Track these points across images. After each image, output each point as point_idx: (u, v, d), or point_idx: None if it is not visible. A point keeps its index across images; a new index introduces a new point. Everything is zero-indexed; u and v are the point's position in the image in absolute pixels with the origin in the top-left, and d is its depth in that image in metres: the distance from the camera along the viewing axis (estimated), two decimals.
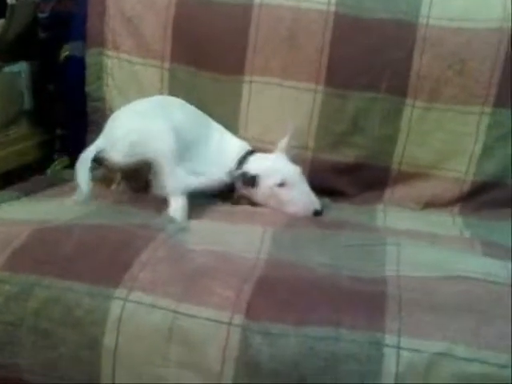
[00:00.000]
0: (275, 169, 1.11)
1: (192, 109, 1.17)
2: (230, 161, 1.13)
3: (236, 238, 0.92)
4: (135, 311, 0.74)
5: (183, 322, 0.73)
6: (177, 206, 1.00)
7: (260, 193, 1.10)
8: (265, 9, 1.19)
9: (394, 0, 1.15)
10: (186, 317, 0.73)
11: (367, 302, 0.74)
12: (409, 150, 1.18)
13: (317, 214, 1.07)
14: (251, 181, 1.10)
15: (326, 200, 1.14)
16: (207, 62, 1.23)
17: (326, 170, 1.20)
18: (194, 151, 1.10)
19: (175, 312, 0.73)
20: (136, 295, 0.75)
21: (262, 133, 1.21)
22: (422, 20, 1.13)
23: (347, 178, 1.19)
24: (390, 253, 0.87)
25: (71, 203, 1.01)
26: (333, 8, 1.15)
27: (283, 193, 1.08)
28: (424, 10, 1.13)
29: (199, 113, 1.17)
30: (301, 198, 1.08)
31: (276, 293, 0.75)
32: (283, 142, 1.14)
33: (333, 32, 1.15)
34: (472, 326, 0.69)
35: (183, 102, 1.16)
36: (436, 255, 0.88)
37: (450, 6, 1.13)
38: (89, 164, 1.03)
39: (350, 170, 1.19)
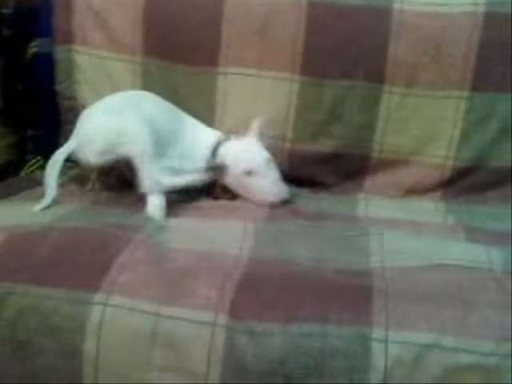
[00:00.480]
0: (242, 157, 1.08)
1: (164, 103, 1.13)
2: (205, 152, 1.10)
3: (217, 234, 0.90)
4: (116, 316, 0.72)
5: (166, 325, 0.71)
6: (154, 205, 0.98)
7: (231, 181, 1.08)
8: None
9: None
10: (169, 319, 0.71)
11: (353, 295, 0.73)
12: (388, 138, 1.17)
13: (286, 202, 1.06)
14: (218, 170, 1.07)
15: (306, 191, 1.13)
16: (180, 54, 1.20)
17: (306, 161, 1.18)
18: (169, 147, 1.07)
19: (157, 315, 0.71)
20: (116, 299, 0.73)
21: (239, 125, 1.18)
22: (396, 5, 1.12)
23: (327, 167, 1.18)
24: (374, 243, 0.87)
25: (37, 209, 0.98)
26: None
27: (250, 181, 1.06)
28: None
29: (172, 107, 1.14)
30: (269, 186, 1.06)
31: (260, 290, 0.74)
32: (255, 127, 1.11)
33: (307, 20, 1.13)
34: (458, 315, 0.69)
35: (155, 96, 1.13)
36: (419, 244, 0.87)
37: None
38: (59, 167, 1.01)
39: (330, 160, 1.18)
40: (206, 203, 1.08)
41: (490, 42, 1.10)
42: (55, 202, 1.00)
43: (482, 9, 1.09)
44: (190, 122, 1.15)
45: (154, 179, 0.99)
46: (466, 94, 1.13)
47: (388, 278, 0.76)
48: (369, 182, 1.18)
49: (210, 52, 1.18)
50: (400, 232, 0.92)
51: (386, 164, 1.18)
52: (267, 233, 0.91)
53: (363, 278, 0.76)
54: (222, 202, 1.09)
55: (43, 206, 0.99)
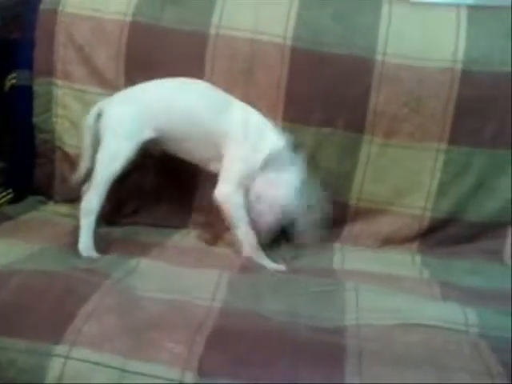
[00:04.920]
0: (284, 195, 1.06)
1: None
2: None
3: (189, 283, 0.88)
4: (78, 370, 0.68)
5: (131, 381, 0.68)
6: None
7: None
8: (221, 39, 1.16)
9: (351, 35, 1.14)
10: (134, 375, 0.68)
11: (326, 355, 0.71)
12: (366, 187, 1.17)
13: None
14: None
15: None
16: None
17: None
18: None
19: (122, 370, 0.68)
20: (79, 352, 0.69)
21: None
22: (379, 57, 1.13)
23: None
24: (349, 299, 0.85)
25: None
26: (289, 42, 1.14)
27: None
28: (380, 47, 1.13)
29: None
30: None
31: (230, 346, 0.71)
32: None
33: (289, 66, 1.14)
34: (433, 380, 0.67)
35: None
36: (395, 301, 0.86)
37: (404, 44, 1.13)
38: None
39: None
40: (178, 244, 1.06)
41: (467, 98, 1.12)
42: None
43: (459, 66, 1.11)
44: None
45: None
46: (444, 146, 1.14)
47: (362, 337, 0.75)
48: (346, 230, 1.17)
49: None
50: (376, 288, 0.90)
51: (364, 213, 1.17)
52: (241, 284, 0.89)
53: (337, 337, 0.74)
54: (199, 245, 1.07)
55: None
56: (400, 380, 0.67)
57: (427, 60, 1.12)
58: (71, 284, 0.80)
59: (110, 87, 1.20)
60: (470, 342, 0.74)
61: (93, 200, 1.01)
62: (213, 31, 1.16)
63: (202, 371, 0.67)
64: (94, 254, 0.98)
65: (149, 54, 1.18)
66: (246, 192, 1.04)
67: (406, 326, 0.78)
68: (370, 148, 1.15)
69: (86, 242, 0.99)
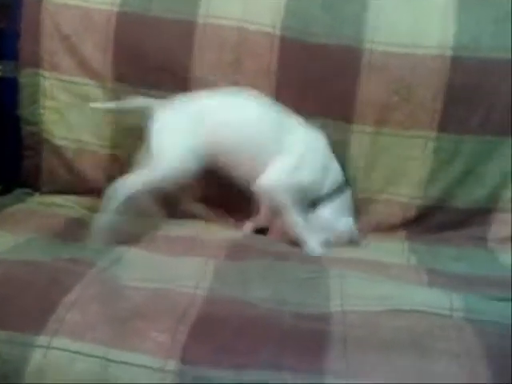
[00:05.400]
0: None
1: None
2: None
3: (174, 271, 0.87)
4: (59, 360, 0.68)
5: (114, 370, 0.67)
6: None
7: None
8: (209, 28, 1.15)
9: (340, 25, 1.13)
10: (117, 364, 0.68)
11: (311, 342, 0.70)
12: (357, 176, 1.16)
13: None
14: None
15: None
16: (152, 80, 1.17)
17: None
18: None
19: (104, 359, 0.68)
20: (61, 341, 0.69)
21: None
22: (367, 45, 1.12)
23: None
24: (335, 286, 0.85)
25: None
26: (278, 32, 1.13)
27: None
28: (369, 35, 1.12)
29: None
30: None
31: (214, 334, 0.71)
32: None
33: (278, 56, 1.13)
34: (416, 364, 0.67)
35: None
36: (381, 287, 0.85)
37: (393, 32, 1.12)
38: None
39: None
40: (164, 233, 1.06)
41: (457, 85, 1.11)
42: None
43: (449, 53, 1.10)
44: None
45: None
46: (433, 134, 1.14)
47: (347, 323, 0.75)
48: None
49: (182, 78, 1.16)
50: (362, 274, 0.90)
51: (355, 202, 1.17)
52: (228, 271, 0.88)
53: (322, 323, 0.74)
54: (185, 233, 1.06)
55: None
56: (384, 365, 0.67)
57: (416, 47, 1.12)
58: (55, 274, 0.80)
59: (98, 78, 1.19)
60: (455, 327, 0.74)
61: (131, 187, 1.00)
62: (201, 20, 1.15)
63: (185, 360, 0.67)
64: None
65: (137, 44, 1.17)
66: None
67: (391, 312, 0.78)
68: (361, 138, 1.14)
69: (104, 223, 0.98)
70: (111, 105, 1.16)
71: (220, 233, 1.08)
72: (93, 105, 1.17)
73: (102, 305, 0.75)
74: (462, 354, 0.68)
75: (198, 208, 1.18)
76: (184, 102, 1.08)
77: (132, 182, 1.01)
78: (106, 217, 0.99)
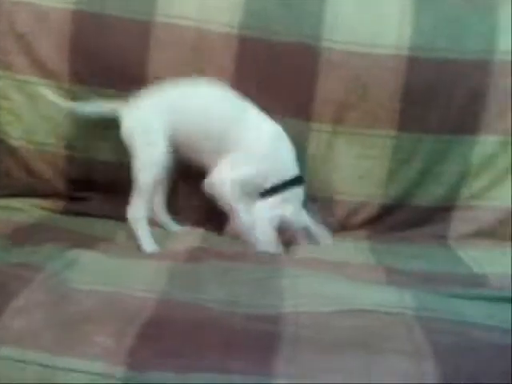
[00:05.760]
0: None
1: None
2: None
3: (128, 274, 0.86)
4: (4, 369, 0.65)
5: (58, 378, 0.65)
6: None
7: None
8: (166, 28, 1.13)
9: (298, 23, 1.13)
10: (61, 371, 0.66)
11: (260, 344, 0.69)
12: (316, 175, 1.16)
13: None
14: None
15: None
16: (108, 80, 1.16)
17: None
18: None
19: (48, 367, 0.66)
20: (5, 350, 0.67)
21: None
22: (325, 43, 1.12)
23: None
24: (288, 286, 0.84)
25: None
26: (236, 31, 1.12)
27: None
28: (326, 34, 1.12)
29: None
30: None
31: (162, 338, 0.69)
32: None
33: (236, 54, 1.12)
34: (364, 364, 0.66)
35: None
36: (335, 287, 0.85)
37: (351, 31, 1.12)
38: None
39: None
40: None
41: (414, 84, 1.12)
42: None
43: (405, 53, 1.11)
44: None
45: None
46: (392, 133, 1.15)
47: (299, 324, 0.74)
48: None
49: (139, 78, 1.14)
50: (317, 274, 0.90)
51: (315, 201, 1.17)
52: (181, 275, 0.87)
53: (273, 324, 0.73)
54: None
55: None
56: (333, 365, 0.66)
57: (374, 47, 1.12)
58: (2, 279, 0.77)
59: (54, 77, 1.17)
60: (405, 325, 0.74)
61: (140, 208, 1.04)
62: (158, 20, 1.14)
63: (130, 364, 0.66)
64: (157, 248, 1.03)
65: (93, 43, 1.16)
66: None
67: (343, 312, 0.77)
68: (319, 136, 1.14)
69: (149, 244, 1.03)
70: (80, 107, 1.15)
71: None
72: (65, 104, 1.16)
73: (49, 310, 0.73)
74: (411, 352, 0.68)
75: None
76: (148, 96, 1.08)
77: (138, 210, 1.04)
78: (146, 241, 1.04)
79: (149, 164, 1.04)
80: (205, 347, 0.68)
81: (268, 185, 1.08)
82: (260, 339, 0.70)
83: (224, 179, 1.04)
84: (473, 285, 0.89)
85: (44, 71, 1.17)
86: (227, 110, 1.08)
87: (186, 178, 1.16)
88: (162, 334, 0.70)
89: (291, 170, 1.10)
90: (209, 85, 1.09)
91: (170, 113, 1.06)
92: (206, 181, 1.05)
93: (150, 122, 1.06)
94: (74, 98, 1.18)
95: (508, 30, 1.12)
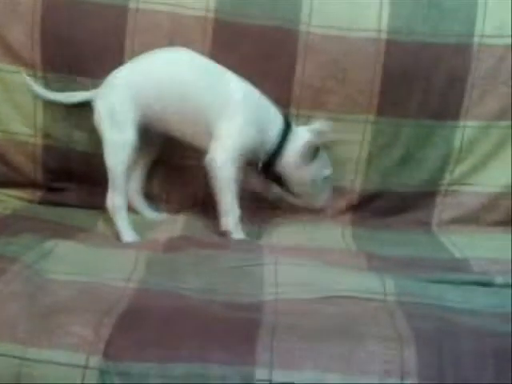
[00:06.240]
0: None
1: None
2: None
3: (106, 264, 0.84)
4: None
5: (32, 369, 0.64)
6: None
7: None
8: (141, 13, 1.11)
9: (275, 7, 1.11)
10: (36, 363, 0.64)
11: (239, 332, 0.68)
12: None
13: None
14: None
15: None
16: (82, 68, 1.13)
17: None
18: None
19: (22, 358, 0.64)
20: None
21: None
22: (303, 27, 1.10)
23: None
24: (268, 274, 0.83)
25: None
26: (211, 14, 1.10)
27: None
28: (304, 18, 1.10)
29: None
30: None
31: (139, 327, 0.68)
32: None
33: (212, 40, 1.10)
34: (345, 351, 0.66)
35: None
36: (315, 274, 0.84)
37: (329, 14, 1.11)
38: None
39: None
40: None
41: (393, 68, 1.11)
42: None
43: (384, 36, 1.10)
44: None
45: None
46: (372, 118, 1.14)
47: (279, 312, 0.73)
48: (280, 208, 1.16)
49: (114, 64, 1.10)
50: (298, 261, 0.89)
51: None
52: (161, 263, 0.86)
53: (252, 312, 0.72)
54: None
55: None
56: (313, 353, 0.66)
57: (352, 30, 1.11)
58: None
59: (27, 65, 1.14)
60: (386, 311, 0.74)
61: (116, 197, 1.01)
62: (133, 5, 1.11)
63: (107, 355, 0.64)
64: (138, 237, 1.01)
65: (66, 29, 1.13)
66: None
67: (324, 299, 0.77)
68: (298, 121, 1.13)
69: (128, 233, 1.01)
70: (59, 97, 1.13)
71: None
72: (40, 92, 1.13)
73: (25, 301, 0.71)
74: (392, 338, 0.68)
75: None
76: (115, 77, 1.06)
77: (113, 200, 1.03)
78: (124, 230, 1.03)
79: (116, 148, 1.01)
80: (184, 336, 0.68)
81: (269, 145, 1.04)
82: (239, 327, 0.69)
83: (222, 163, 0.99)
84: (454, 270, 0.89)
85: (16, 59, 1.14)
86: (198, 74, 1.04)
87: (165, 163, 1.14)
88: (140, 324, 0.69)
89: (280, 122, 1.06)
90: (175, 52, 1.06)
91: (139, 89, 1.02)
92: (209, 156, 1.00)
93: (116, 104, 1.02)
94: (48, 86, 1.15)
95: (486, 14, 1.11)
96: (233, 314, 0.72)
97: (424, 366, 0.64)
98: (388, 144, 1.15)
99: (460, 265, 0.93)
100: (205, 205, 1.12)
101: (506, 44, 1.12)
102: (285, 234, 1.06)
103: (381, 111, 1.13)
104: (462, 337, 0.68)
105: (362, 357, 0.65)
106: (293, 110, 1.13)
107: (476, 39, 1.12)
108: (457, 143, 1.15)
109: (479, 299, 0.78)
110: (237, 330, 0.69)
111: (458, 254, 0.99)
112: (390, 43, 1.10)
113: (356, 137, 1.14)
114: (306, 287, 0.80)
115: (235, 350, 0.66)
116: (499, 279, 0.84)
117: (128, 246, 0.97)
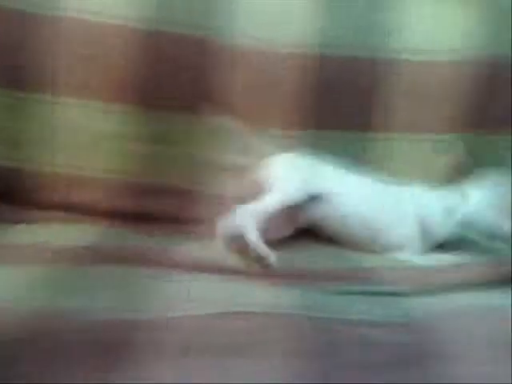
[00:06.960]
0: None
1: None
2: None
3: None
4: None
5: None
6: None
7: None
8: (63, 22, 1.07)
9: (199, 15, 1.08)
10: None
11: (144, 351, 0.64)
12: None
13: None
14: None
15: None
16: (9, 81, 1.09)
17: (135, 193, 1.11)
18: None
19: None
20: None
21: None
22: (227, 40, 1.08)
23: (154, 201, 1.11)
24: (175, 290, 0.80)
25: None
26: (132, 24, 1.07)
27: None
28: (228, 29, 1.08)
29: None
30: None
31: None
32: None
33: (133, 50, 1.07)
34: (247, 367, 0.64)
35: None
36: (224, 289, 0.81)
37: (257, 26, 1.09)
38: None
39: (156, 193, 1.11)
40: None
41: (323, 83, 1.10)
42: None
43: (313, 50, 1.09)
44: None
45: None
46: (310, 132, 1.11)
47: (184, 329, 0.69)
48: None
49: (39, 77, 1.08)
50: (208, 276, 0.85)
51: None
52: (55, 280, 0.80)
53: (130, 332, 0.68)
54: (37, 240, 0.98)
55: None
56: (215, 370, 0.63)
57: (279, 44, 1.09)
58: None
59: None
60: (293, 325, 0.71)
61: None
62: (55, 13, 1.07)
63: None
64: None
65: None
66: None
67: (231, 315, 0.73)
68: None
69: None
70: None
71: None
72: None
73: None
74: (296, 353, 0.66)
75: None
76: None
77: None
78: None
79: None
80: (51, 361, 0.63)
81: None
82: (142, 347, 0.65)
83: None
84: (361, 280, 0.87)
85: None
86: None
87: None
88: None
89: None
90: None
91: None
92: None
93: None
94: None
95: (411, 29, 1.12)
96: (107, 334, 0.67)
97: (323, 380, 0.62)
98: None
99: (366, 274, 0.91)
100: None
101: (430, 60, 1.12)
102: (202, 250, 1.02)
103: (317, 125, 1.11)
104: (351, 350, 0.66)
105: (261, 373, 0.63)
106: None
107: (402, 54, 1.11)
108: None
109: (383, 310, 0.76)
110: (140, 349, 0.65)
111: (365, 264, 0.97)
112: (319, 57, 1.09)
113: None
114: (212, 303, 0.76)
115: (137, 369, 0.62)
116: (405, 288, 0.83)
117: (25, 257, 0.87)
